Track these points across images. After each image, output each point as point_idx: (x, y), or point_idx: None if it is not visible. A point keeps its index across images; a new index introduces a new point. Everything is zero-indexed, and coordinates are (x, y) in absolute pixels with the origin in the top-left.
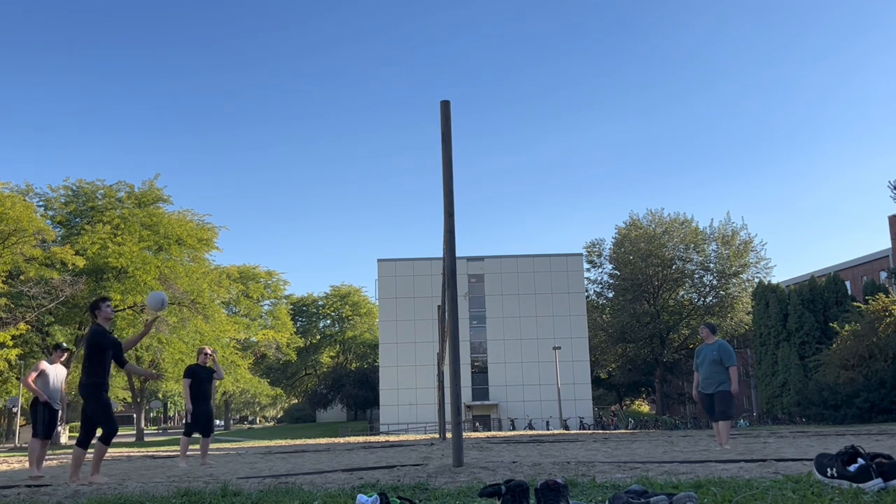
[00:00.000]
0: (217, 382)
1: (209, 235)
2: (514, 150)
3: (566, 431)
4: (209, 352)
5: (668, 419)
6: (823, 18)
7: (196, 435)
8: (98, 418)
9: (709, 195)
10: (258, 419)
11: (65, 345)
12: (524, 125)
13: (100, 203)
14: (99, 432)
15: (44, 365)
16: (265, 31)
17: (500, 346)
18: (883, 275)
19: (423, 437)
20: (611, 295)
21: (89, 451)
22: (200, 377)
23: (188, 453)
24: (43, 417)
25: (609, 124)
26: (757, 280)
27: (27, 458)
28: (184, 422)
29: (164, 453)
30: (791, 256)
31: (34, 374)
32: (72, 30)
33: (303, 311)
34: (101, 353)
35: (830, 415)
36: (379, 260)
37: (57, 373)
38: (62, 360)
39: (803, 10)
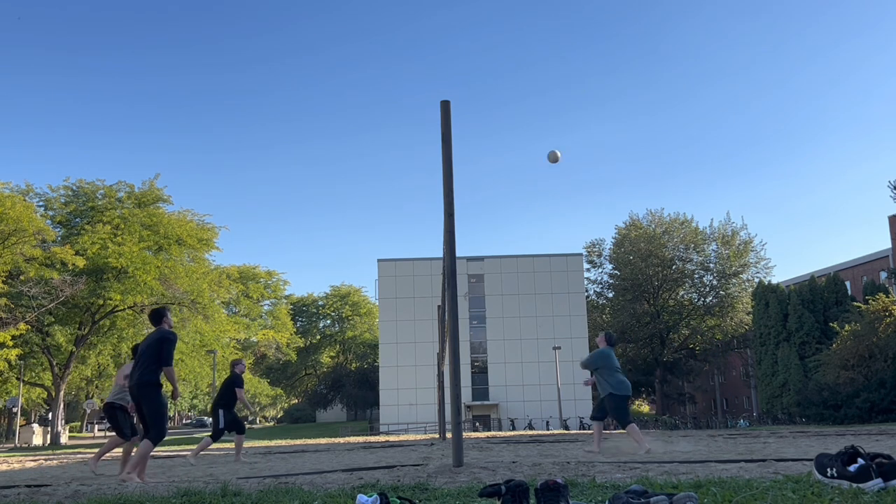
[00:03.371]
0: (216, 383)
1: (209, 235)
2: (513, 149)
3: (566, 431)
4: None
5: (668, 419)
6: (823, 17)
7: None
8: (152, 419)
9: (709, 195)
10: (258, 419)
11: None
12: (524, 125)
13: (100, 203)
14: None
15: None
16: (265, 31)
17: (500, 346)
18: (883, 275)
19: (423, 437)
20: (611, 295)
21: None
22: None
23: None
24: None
25: (609, 124)
26: (757, 280)
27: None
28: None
29: (164, 453)
30: (791, 256)
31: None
32: (71, 29)
33: (303, 311)
34: (171, 356)
35: (830, 415)
36: (379, 260)
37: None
38: None
39: (803, 9)
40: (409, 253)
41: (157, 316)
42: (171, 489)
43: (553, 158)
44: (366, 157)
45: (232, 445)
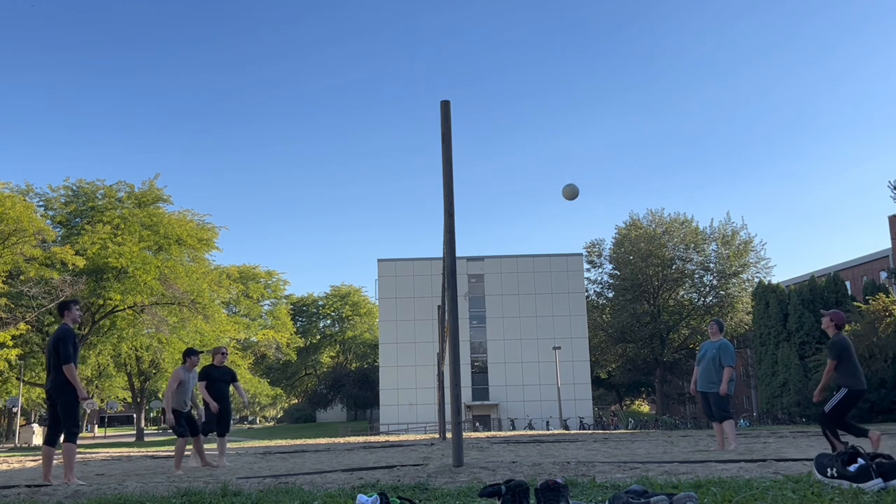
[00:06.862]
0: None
1: (209, 235)
2: (514, 149)
3: (566, 431)
4: (226, 352)
5: (668, 419)
6: (823, 17)
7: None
8: (67, 416)
9: (709, 195)
10: (258, 419)
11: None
12: (524, 125)
13: (100, 203)
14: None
15: (181, 374)
16: (264, 31)
17: (500, 346)
18: (883, 275)
19: (423, 437)
20: (611, 295)
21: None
22: (214, 377)
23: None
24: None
25: (609, 124)
26: (757, 280)
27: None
28: (201, 421)
29: (164, 453)
30: (791, 256)
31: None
32: (72, 29)
33: (303, 311)
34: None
35: None
36: (379, 260)
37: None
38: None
39: (803, 9)
40: (409, 253)
41: (59, 310)
42: (171, 489)
43: (570, 195)
44: (366, 157)
45: (231, 445)
